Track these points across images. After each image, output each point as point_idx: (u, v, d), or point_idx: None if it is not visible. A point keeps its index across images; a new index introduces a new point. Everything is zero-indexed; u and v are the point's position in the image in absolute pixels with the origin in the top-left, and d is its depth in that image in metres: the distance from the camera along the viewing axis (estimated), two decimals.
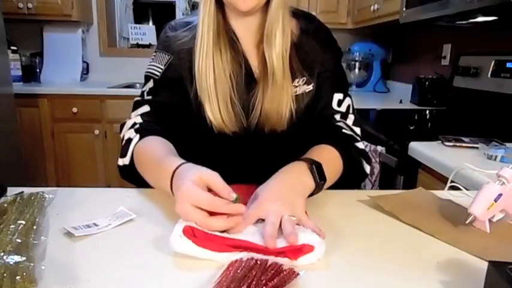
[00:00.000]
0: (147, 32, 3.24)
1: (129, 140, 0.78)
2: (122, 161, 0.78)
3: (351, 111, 0.88)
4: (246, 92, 0.82)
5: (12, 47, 2.62)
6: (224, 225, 0.55)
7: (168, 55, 0.84)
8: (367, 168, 0.83)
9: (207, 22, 0.76)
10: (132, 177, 0.77)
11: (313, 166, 0.68)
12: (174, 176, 0.61)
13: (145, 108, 0.83)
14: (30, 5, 2.62)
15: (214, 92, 0.78)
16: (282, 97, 0.79)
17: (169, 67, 0.83)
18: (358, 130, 0.87)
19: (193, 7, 3.08)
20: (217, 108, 0.79)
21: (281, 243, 0.52)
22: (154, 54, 0.86)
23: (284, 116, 0.81)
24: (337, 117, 0.86)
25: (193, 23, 0.83)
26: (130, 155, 0.76)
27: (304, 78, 0.84)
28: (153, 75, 0.84)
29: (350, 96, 0.89)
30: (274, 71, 0.78)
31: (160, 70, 0.84)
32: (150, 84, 0.85)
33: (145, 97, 0.84)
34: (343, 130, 0.84)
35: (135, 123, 0.81)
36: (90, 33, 3.09)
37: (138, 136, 0.77)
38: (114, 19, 3.24)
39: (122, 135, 0.81)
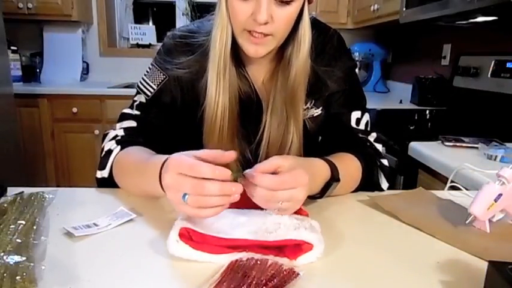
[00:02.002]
0: (147, 32, 3.23)
1: (109, 152, 0.76)
2: (100, 174, 0.75)
3: (369, 128, 0.85)
4: (252, 123, 0.80)
5: (12, 47, 2.62)
6: (218, 189, 0.50)
7: (163, 74, 0.80)
8: (385, 185, 0.80)
9: (223, 61, 0.73)
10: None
11: (331, 162, 0.68)
12: (163, 167, 0.57)
13: (131, 123, 0.80)
14: (30, 5, 2.62)
15: (227, 125, 0.75)
16: (289, 127, 0.77)
17: (162, 90, 0.80)
18: (380, 147, 0.84)
19: (194, 7, 3.08)
20: (223, 140, 0.75)
21: (280, 236, 0.52)
22: (150, 67, 0.83)
23: (291, 145, 0.77)
24: (359, 135, 0.84)
25: (199, 41, 0.78)
26: (110, 167, 0.75)
27: (313, 101, 0.82)
28: (144, 93, 0.81)
29: (368, 111, 0.86)
30: (285, 102, 0.76)
31: (152, 90, 0.80)
32: (142, 98, 0.81)
33: (134, 110, 0.81)
34: (368, 144, 0.83)
35: (116, 136, 0.78)
36: (90, 33, 3.09)
37: (119, 147, 0.75)
38: (114, 19, 3.23)
39: (102, 146, 0.79)
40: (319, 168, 0.66)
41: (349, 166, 0.74)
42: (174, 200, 0.53)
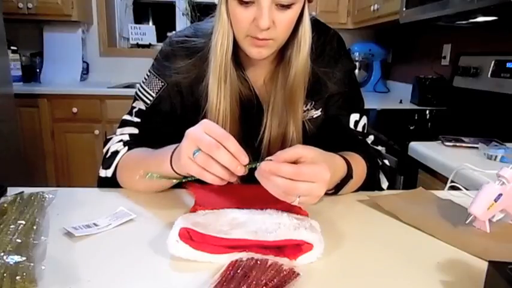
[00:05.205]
0: (147, 32, 3.24)
1: (116, 152, 0.76)
2: (104, 172, 0.76)
3: (365, 131, 0.86)
4: (253, 124, 0.80)
5: (12, 47, 2.62)
6: (228, 159, 0.53)
7: (161, 82, 0.80)
8: (385, 185, 0.80)
9: (224, 68, 0.73)
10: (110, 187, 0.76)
11: (347, 160, 0.69)
12: (174, 152, 0.61)
13: (133, 129, 0.80)
14: (30, 5, 2.62)
15: (229, 130, 0.74)
16: (288, 126, 0.77)
17: (161, 97, 0.80)
18: (379, 149, 0.86)
19: (194, 8, 3.07)
20: None
21: (280, 236, 0.52)
22: (148, 74, 0.82)
23: (291, 144, 0.77)
24: (358, 137, 0.84)
25: (197, 45, 0.78)
26: (114, 167, 0.75)
27: (313, 102, 0.82)
28: (143, 101, 0.81)
29: (366, 114, 0.86)
30: (285, 102, 0.76)
31: (151, 98, 0.80)
32: (141, 105, 0.81)
33: (134, 117, 0.81)
34: (369, 146, 0.84)
35: (122, 139, 0.79)
36: (90, 33, 3.09)
37: (126, 148, 0.76)
38: (114, 19, 3.23)
39: (105, 149, 0.79)
40: (338, 165, 0.67)
41: (358, 165, 0.74)
42: (186, 151, 0.56)
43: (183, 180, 0.62)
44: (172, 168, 0.62)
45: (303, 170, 0.54)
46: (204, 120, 0.58)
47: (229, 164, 0.54)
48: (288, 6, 0.66)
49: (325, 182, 0.55)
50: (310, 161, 0.56)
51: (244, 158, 0.54)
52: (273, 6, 0.65)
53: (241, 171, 0.55)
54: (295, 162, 0.55)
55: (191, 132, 0.56)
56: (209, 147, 0.53)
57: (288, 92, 0.76)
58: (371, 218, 0.67)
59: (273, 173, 0.54)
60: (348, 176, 0.68)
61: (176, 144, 0.62)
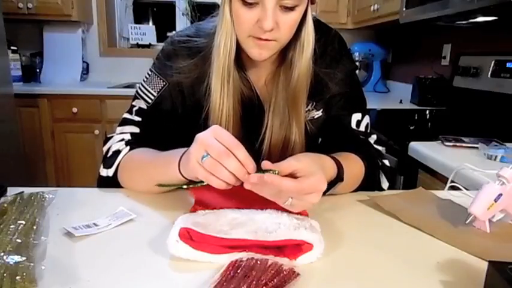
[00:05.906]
0: (147, 32, 3.23)
1: (118, 152, 0.76)
2: (105, 172, 0.76)
3: (368, 130, 0.86)
4: (254, 125, 0.80)
5: (12, 47, 2.62)
6: (235, 167, 0.54)
7: (163, 81, 0.80)
8: (385, 185, 0.80)
9: (227, 68, 0.73)
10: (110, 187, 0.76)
11: (338, 161, 0.68)
12: (183, 156, 0.61)
13: (134, 128, 0.80)
14: (30, 5, 2.62)
15: (231, 130, 0.74)
16: (291, 127, 0.77)
17: (163, 96, 0.80)
18: (380, 149, 0.85)
19: (194, 8, 3.07)
20: None
21: (280, 236, 0.52)
22: (149, 73, 0.82)
23: (294, 145, 0.78)
24: (360, 137, 0.84)
25: (198, 45, 0.78)
26: (116, 166, 0.75)
27: (314, 103, 0.82)
28: (144, 100, 0.81)
29: (368, 113, 0.86)
30: (287, 103, 0.76)
31: (152, 97, 0.80)
32: (141, 104, 0.81)
33: (134, 116, 0.81)
34: (370, 145, 0.84)
35: (123, 139, 0.78)
36: (90, 33, 3.08)
37: (127, 148, 0.76)
38: (114, 19, 3.23)
39: (106, 148, 0.79)
40: (328, 167, 0.66)
41: (353, 166, 0.74)
42: (195, 155, 0.56)
43: (192, 186, 0.61)
44: (179, 171, 0.62)
45: (304, 185, 0.54)
46: (214, 126, 0.58)
47: (237, 172, 0.54)
48: (291, 8, 0.66)
49: (321, 192, 0.56)
50: (306, 173, 0.56)
51: (252, 167, 0.55)
52: (277, 7, 0.65)
53: (247, 179, 0.55)
54: (291, 174, 0.56)
55: (201, 137, 0.56)
56: (218, 153, 0.54)
57: (291, 93, 0.76)
58: (371, 218, 0.67)
59: (275, 186, 0.54)
60: (337, 178, 0.68)
61: (185, 148, 0.62)
